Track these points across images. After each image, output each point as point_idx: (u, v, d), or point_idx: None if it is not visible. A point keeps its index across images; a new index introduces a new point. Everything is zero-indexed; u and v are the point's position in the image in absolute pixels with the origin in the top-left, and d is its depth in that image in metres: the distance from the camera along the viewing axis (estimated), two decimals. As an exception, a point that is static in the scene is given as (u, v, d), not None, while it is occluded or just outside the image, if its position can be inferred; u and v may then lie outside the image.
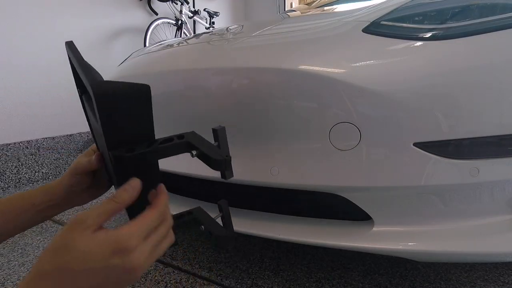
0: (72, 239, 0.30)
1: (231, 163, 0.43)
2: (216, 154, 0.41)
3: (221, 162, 0.40)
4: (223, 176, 0.43)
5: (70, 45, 0.47)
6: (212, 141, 0.45)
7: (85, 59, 0.45)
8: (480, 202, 0.57)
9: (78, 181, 0.49)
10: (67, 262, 0.29)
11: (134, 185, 0.36)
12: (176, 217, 0.44)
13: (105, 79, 0.40)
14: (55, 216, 1.17)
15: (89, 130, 0.54)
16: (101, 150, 0.49)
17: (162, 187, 0.39)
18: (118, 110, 0.37)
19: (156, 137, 0.42)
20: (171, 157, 0.43)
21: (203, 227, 0.45)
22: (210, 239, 0.45)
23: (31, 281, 0.29)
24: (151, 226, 0.34)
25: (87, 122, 0.54)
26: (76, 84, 0.50)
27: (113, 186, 0.51)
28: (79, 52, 0.46)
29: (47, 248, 0.31)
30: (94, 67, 0.51)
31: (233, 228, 0.48)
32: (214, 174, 0.67)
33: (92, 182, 0.51)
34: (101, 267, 0.30)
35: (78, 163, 0.49)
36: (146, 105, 0.38)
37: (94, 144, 0.53)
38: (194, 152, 0.42)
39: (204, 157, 0.41)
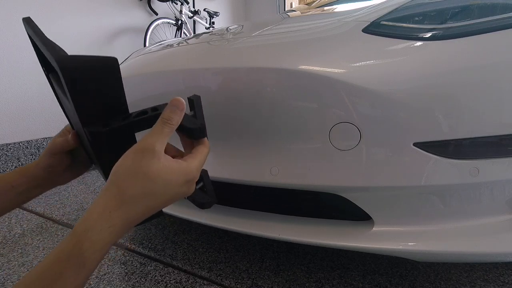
0: (150, 167, 0.34)
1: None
2: (190, 123, 0.41)
3: (195, 130, 0.41)
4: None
5: (28, 22, 0.44)
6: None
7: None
8: (480, 202, 0.57)
9: (57, 161, 0.49)
10: (151, 189, 0.34)
11: (178, 104, 0.38)
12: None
13: None
14: (56, 216, 1.18)
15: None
16: (76, 128, 0.49)
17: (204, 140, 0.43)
18: (87, 84, 0.37)
19: None
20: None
21: (185, 197, 0.44)
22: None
23: (118, 206, 0.32)
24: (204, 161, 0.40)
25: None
26: (41, 63, 0.48)
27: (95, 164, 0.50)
28: (39, 29, 0.44)
29: (119, 173, 0.34)
30: None
31: (214, 195, 0.47)
32: (213, 174, 0.68)
33: (72, 161, 0.51)
34: (175, 192, 0.36)
35: (54, 143, 0.49)
36: (115, 77, 0.38)
37: (68, 124, 0.53)
38: None
39: (179, 128, 0.41)
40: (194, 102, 0.44)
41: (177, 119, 0.38)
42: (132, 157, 0.34)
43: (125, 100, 0.40)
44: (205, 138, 0.43)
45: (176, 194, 0.36)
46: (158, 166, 0.34)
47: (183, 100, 0.39)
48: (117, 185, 0.33)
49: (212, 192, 0.46)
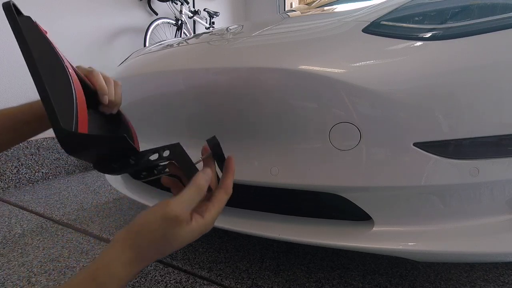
0: (173, 235, 0.35)
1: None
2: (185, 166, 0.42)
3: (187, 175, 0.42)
4: None
5: (8, 9, 0.36)
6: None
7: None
8: (480, 202, 0.57)
9: None
10: (166, 251, 0.36)
11: (208, 172, 0.41)
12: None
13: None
14: (56, 216, 1.18)
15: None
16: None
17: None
18: (90, 156, 0.38)
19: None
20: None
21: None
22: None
23: (137, 266, 0.35)
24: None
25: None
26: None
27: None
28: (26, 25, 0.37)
29: (143, 235, 0.35)
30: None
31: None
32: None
33: None
34: (188, 243, 0.38)
35: None
36: (126, 151, 0.39)
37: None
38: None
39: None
40: (212, 143, 0.45)
41: (206, 185, 0.39)
42: (160, 224, 0.35)
43: (134, 149, 0.41)
44: (229, 183, 0.43)
45: (187, 243, 0.38)
46: (183, 232, 0.36)
47: (210, 170, 0.42)
48: (138, 249, 0.35)
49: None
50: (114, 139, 0.37)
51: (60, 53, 0.40)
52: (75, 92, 0.37)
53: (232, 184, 0.43)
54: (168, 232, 0.35)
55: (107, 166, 0.40)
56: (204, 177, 0.39)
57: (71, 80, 0.38)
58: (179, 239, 0.36)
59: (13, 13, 0.36)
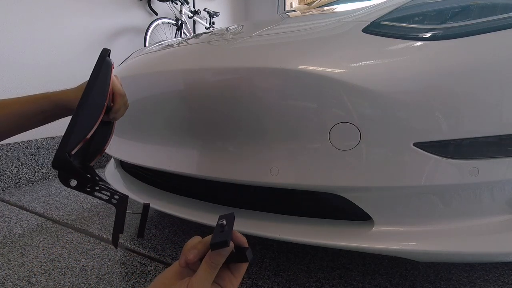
0: None
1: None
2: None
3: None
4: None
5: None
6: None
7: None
8: (480, 202, 0.57)
9: None
10: None
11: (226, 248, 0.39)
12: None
13: None
14: (55, 216, 1.18)
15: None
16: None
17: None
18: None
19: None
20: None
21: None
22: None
23: None
24: None
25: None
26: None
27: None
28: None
29: None
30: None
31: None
32: (213, 174, 0.68)
33: None
34: None
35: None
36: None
37: None
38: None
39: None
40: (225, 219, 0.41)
41: (222, 261, 0.38)
42: None
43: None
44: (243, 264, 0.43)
45: None
46: None
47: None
48: None
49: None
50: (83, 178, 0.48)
51: (110, 86, 0.54)
52: (91, 130, 0.47)
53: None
54: None
55: (66, 180, 0.47)
56: (217, 252, 0.38)
57: (98, 118, 0.48)
58: None
59: (105, 56, 0.53)
